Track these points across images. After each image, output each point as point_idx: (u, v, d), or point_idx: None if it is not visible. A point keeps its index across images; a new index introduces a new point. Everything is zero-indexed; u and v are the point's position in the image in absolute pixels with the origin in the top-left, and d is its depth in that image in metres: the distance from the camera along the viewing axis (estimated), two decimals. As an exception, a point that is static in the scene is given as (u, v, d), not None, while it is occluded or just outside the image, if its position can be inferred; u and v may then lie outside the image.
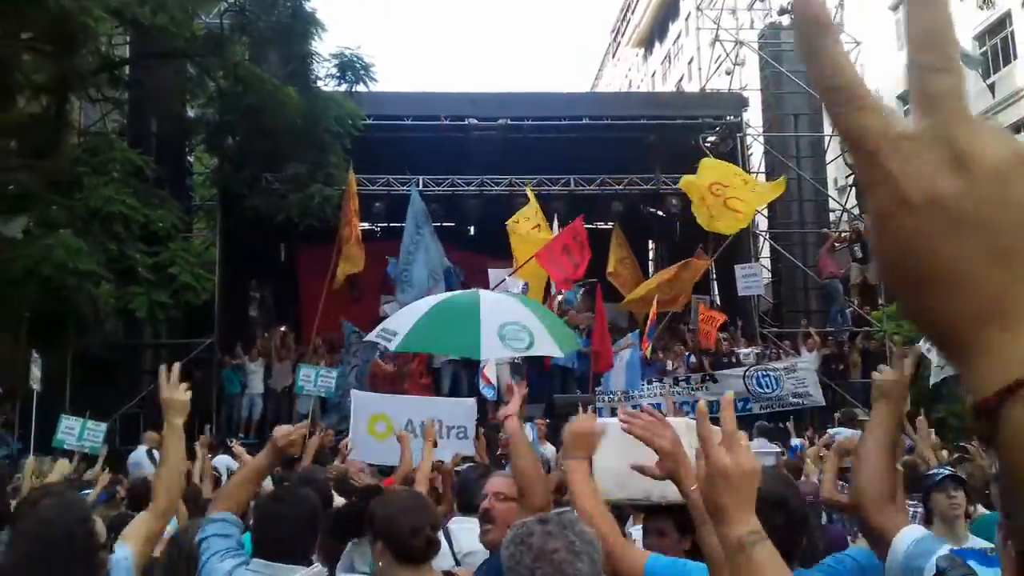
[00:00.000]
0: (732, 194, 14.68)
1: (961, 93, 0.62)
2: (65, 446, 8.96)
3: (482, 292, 7.63)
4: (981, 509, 4.72)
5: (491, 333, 6.35)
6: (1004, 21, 21.38)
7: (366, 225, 20.57)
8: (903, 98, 23.78)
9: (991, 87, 21.07)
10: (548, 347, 6.80)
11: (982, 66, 20.54)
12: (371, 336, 7.52)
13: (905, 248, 0.62)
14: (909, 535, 2.25)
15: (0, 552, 2.43)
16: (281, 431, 3.39)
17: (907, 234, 0.61)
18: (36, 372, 11.28)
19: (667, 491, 2.62)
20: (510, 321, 6.59)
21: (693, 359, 15.85)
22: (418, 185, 16.96)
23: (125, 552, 2.78)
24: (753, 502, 1.51)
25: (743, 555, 1.45)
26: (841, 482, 4.79)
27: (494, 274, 15.83)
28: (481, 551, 3.58)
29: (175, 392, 3.16)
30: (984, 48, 21.99)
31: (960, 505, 4.03)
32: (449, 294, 8.09)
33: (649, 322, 14.95)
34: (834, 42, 0.66)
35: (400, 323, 6.79)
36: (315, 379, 11.87)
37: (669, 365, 15.71)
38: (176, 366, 3.24)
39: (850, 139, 0.64)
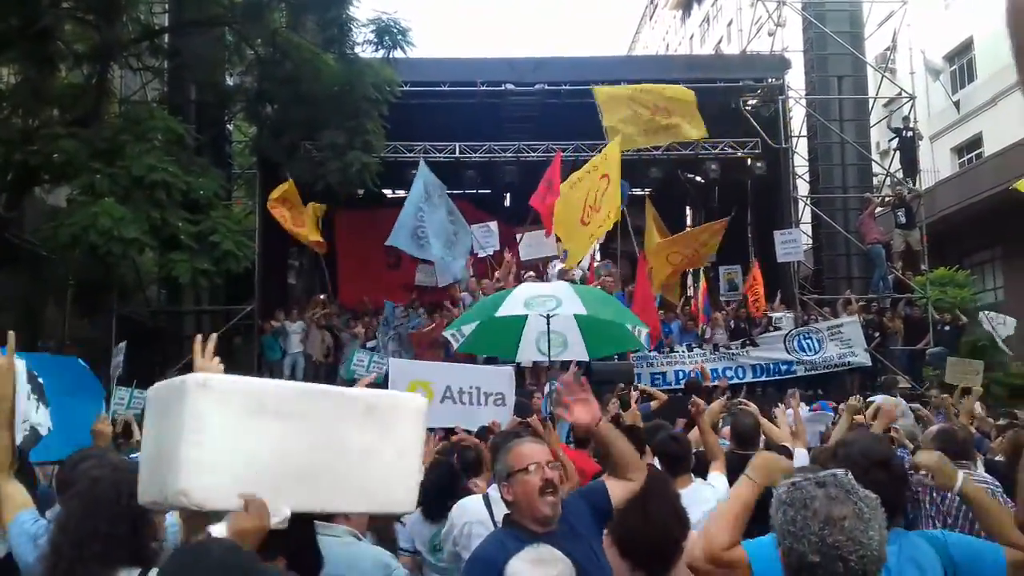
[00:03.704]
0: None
1: None
2: (116, 416, 9.26)
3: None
4: None
5: (517, 303, 7.24)
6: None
7: (402, 192, 20.61)
8: (950, 58, 23.23)
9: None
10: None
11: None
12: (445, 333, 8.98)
13: None
14: None
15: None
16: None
17: None
18: (119, 360, 11.70)
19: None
20: (539, 294, 7.42)
21: (732, 323, 15.69)
22: (454, 152, 16.97)
23: (173, 519, 2.81)
24: None
25: None
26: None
27: (530, 237, 15.81)
28: None
29: (208, 365, 2.95)
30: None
31: None
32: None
33: (702, 297, 14.78)
34: None
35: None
36: (368, 364, 12.11)
37: (708, 332, 15.58)
38: (212, 337, 3.03)
39: None
